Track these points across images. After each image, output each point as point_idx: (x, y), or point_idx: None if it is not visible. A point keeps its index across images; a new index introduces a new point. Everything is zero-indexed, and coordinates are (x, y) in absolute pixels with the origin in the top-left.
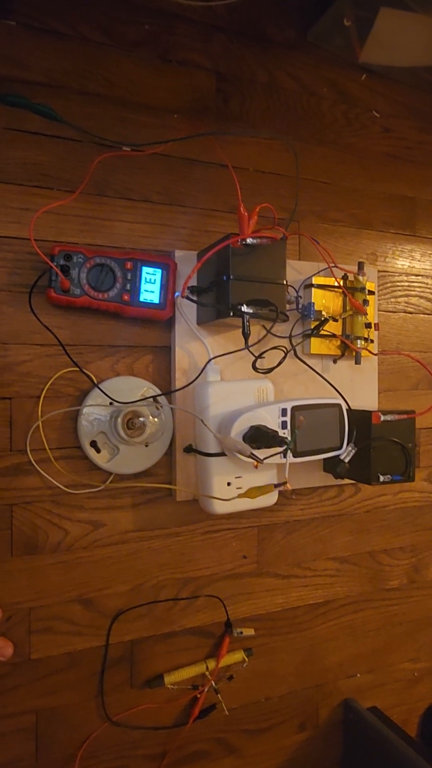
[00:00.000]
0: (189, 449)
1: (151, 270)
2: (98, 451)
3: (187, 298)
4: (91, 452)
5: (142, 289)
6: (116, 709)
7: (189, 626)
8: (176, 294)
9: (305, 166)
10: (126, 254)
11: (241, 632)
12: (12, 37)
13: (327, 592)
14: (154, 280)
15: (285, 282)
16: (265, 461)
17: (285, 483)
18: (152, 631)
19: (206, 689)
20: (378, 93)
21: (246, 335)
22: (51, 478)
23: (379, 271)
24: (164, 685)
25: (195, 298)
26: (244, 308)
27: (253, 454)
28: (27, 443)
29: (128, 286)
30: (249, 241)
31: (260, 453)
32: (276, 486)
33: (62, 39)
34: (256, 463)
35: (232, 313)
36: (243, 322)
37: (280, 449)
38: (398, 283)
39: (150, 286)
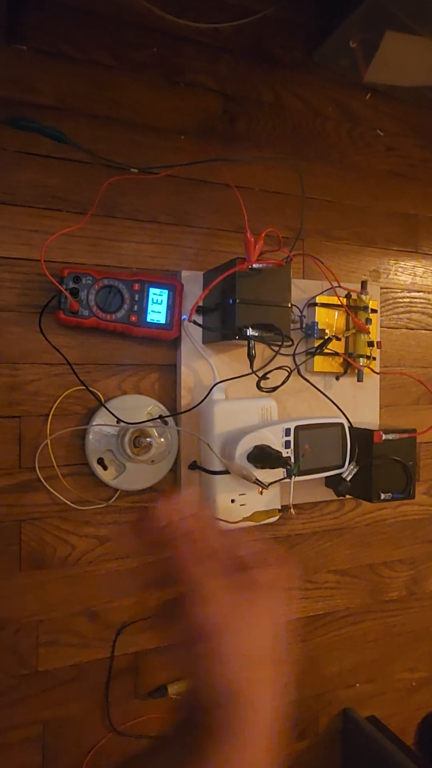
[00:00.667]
0: (193, 466)
1: (157, 291)
2: (105, 468)
3: (194, 322)
4: (98, 469)
5: (149, 310)
6: (121, 720)
7: None
8: (183, 317)
9: (310, 184)
10: (133, 275)
11: None
12: (22, 61)
13: (328, 603)
14: (161, 300)
15: (290, 305)
16: (269, 485)
17: (290, 509)
18: (156, 643)
19: None
20: (382, 112)
21: (251, 357)
22: (59, 495)
23: (381, 288)
24: (167, 696)
25: (201, 322)
26: (250, 331)
27: (258, 480)
28: (36, 461)
29: (135, 307)
30: (255, 265)
31: (264, 473)
32: (280, 511)
33: (72, 63)
34: (261, 489)
35: (237, 336)
36: (248, 345)
37: (284, 470)
38: (400, 300)
39: (157, 307)
